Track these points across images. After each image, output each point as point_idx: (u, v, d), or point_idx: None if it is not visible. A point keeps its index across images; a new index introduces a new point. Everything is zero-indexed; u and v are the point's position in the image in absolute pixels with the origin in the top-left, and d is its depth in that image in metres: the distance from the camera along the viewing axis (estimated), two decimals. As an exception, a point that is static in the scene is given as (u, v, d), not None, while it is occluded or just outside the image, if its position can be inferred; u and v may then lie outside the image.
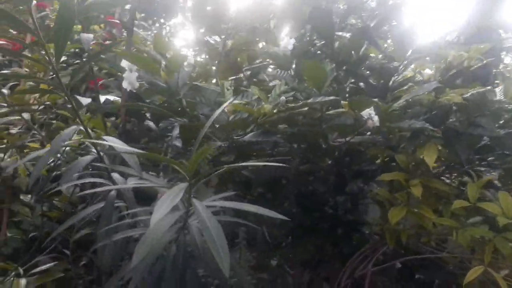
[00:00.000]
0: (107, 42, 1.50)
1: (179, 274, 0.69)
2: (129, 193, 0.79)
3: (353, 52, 1.32)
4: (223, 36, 1.15)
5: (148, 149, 1.14)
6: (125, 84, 0.98)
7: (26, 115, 1.09)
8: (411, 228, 1.29)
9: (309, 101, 0.88)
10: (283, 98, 0.89)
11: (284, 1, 1.31)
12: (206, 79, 1.29)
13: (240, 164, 0.81)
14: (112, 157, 0.87)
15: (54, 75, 0.68)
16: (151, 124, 1.25)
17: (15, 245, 1.44)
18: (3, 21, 0.62)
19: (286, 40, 1.18)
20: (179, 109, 1.09)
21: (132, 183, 0.73)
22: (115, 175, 0.80)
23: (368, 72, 1.38)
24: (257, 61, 1.21)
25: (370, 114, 0.92)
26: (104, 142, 0.68)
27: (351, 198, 1.56)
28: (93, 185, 1.15)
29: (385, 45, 1.44)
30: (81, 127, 0.73)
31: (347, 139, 1.02)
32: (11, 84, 1.28)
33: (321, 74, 0.99)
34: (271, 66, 1.29)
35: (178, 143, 1.38)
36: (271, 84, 1.83)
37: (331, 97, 0.88)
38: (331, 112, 0.96)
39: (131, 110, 1.13)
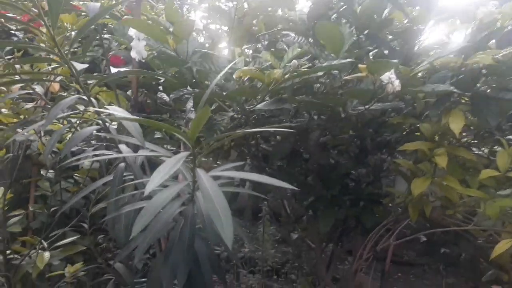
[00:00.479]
0: (126, 17, 1.46)
1: (186, 246, 0.67)
2: (135, 164, 0.76)
3: (375, 15, 1.24)
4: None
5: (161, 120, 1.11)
6: (133, 54, 0.95)
7: (39, 88, 1.08)
8: (435, 200, 1.24)
9: (324, 64, 0.83)
10: (294, 61, 0.83)
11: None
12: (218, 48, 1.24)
13: (251, 130, 0.77)
14: (120, 128, 0.84)
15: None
16: (164, 96, 1.23)
17: (43, 220, 1.47)
18: None
19: (302, 3, 1.12)
20: (193, 80, 1.05)
21: (136, 154, 0.70)
22: (122, 147, 0.78)
23: (391, 37, 1.30)
24: (275, 28, 1.15)
25: (390, 78, 0.85)
26: (106, 111, 0.66)
27: (373, 170, 1.51)
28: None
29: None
30: (84, 97, 0.70)
31: (367, 106, 0.96)
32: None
33: (338, 37, 0.93)
34: (291, 33, 1.23)
35: (194, 115, 1.35)
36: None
37: (347, 60, 0.82)
38: (348, 77, 0.90)
39: (142, 82, 1.10)
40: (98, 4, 0.94)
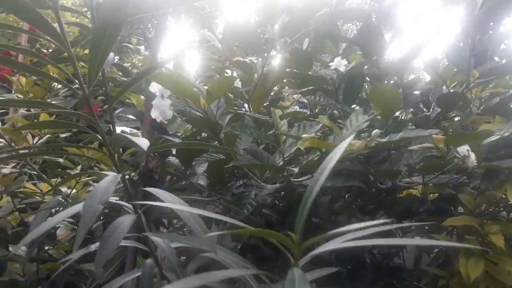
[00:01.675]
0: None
1: None
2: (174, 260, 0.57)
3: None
4: (264, 55, 0.96)
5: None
6: (154, 113, 0.78)
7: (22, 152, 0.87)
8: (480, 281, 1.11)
9: (411, 135, 0.70)
10: (376, 131, 0.70)
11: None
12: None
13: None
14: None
15: (83, 100, 0.47)
16: (173, 160, 1.04)
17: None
18: (22, 16, 0.41)
19: (337, 61, 1.01)
20: (215, 142, 0.89)
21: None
22: (155, 238, 0.59)
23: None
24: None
25: (468, 150, 0.73)
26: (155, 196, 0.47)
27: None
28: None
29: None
30: (117, 175, 0.51)
31: (432, 178, 0.84)
32: None
33: (393, 100, 0.81)
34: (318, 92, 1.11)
35: (203, 181, 1.17)
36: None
37: (432, 130, 0.69)
38: (415, 147, 0.78)
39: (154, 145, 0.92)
40: (112, 55, 0.78)
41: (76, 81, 0.46)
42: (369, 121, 0.87)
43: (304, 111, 1.73)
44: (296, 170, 0.76)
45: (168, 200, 0.48)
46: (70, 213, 0.47)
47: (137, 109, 1.04)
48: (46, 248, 1.23)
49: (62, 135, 1.31)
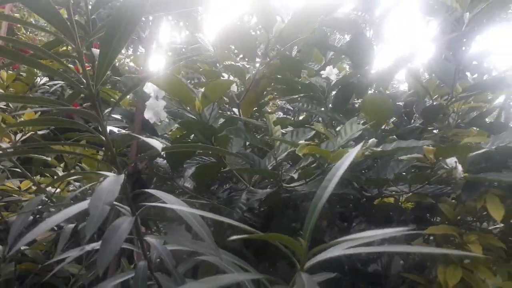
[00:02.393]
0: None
1: None
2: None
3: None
4: (258, 61, 0.96)
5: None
6: (148, 114, 0.77)
7: (4, 144, 0.85)
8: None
9: (403, 145, 0.71)
10: (373, 140, 0.71)
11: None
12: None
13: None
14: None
15: (88, 98, 0.46)
16: (160, 161, 1.03)
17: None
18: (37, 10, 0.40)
19: (328, 70, 1.02)
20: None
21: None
22: (149, 239, 0.58)
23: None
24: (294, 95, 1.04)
25: (456, 162, 0.76)
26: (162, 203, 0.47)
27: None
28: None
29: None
30: (114, 173, 0.50)
31: (414, 189, 0.86)
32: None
33: (384, 110, 0.84)
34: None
35: (189, 184, 1.16)
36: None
37: (425, 141, 0.72)
38: (404, 157, 0.80)
39: (143, 146, 0.91)
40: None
41: (83, 79, 0.45)
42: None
43: (287, 116, 1.74)
44: (291, 175, 0.76)
45: (170, 202, 0.48)
46: (73, 211, 0.46)
47: (126, 109, 1.02)
48: (22, 248, 1.20)
49: (40, 132, 1.28)
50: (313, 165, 0.75)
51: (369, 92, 1.18)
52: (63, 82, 1.49)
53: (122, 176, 0.46)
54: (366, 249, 0.40)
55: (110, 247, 0.43)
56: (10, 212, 0.97)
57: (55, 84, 1.43)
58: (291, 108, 1.62)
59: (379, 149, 0.70)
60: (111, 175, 0.47)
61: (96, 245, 0.56)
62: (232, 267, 0.53)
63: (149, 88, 0.77)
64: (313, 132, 0.84)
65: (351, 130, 0.76)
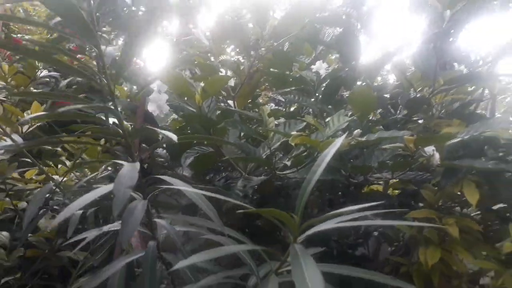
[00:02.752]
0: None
1: None
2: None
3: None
4: (252, 53, 1.02)
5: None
6: (152, 107, 0.83)
7: (16, 137, 0.90)
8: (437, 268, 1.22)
9: (385, 135, 0.78)
10: (358, 131, 0.78)
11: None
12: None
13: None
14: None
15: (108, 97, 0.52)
16: (160, 151, 1.10)
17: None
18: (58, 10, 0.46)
19: (318, 64, 1.09)
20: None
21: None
22: (159, 220, 0.64)
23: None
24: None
25: (433, 150, 0.84)
26: (172, 185, 0.53)
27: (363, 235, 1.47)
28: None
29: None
30: (130, 163, 0.57)
31: (400, 175, 0.93)
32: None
33: (370, 102, 0.90)
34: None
35: (187, 173, 1.22)
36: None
37: (405, 132, 0.79)
38: (387, 146, 0.87)
39: (144, 137, 0.97)
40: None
41: (101, 76, 0.51)
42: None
43: (278, 108, 1.81)
44: (284, 163, 0.83)
45: (178, 184, 0.54)
46: (97, 194, 0.52)
47: (127, 101, 1.08)
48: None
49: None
50: (304, 154, 0.82)
51: (357, 84, 1.25)
52: (57, 74, 1.54)
53: (138, 164, 0.52)
54: (353, 223, 0.47)
55: (129, 226, 0.49)
56: (18, 201, 1.02)
57: (53, 77, 1.47)
58: (283, 100, 1.68)
59: (363, 139, 0.77)
60: (126, 163, 0.53)
61: (112, 226, 0.62)
62: (233, 244, 0.60)
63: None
64: (304, 123, 0.90)
65: (339, 121, 0.82)
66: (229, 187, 0.94)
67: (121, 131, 0.54)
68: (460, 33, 1.19)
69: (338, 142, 0.49)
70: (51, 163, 1.05)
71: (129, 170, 0.50)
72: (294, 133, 0.75)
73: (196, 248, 0.77)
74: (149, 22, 0.46)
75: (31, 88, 1.29)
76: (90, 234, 0.63)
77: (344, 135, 0.54)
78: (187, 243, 0.83)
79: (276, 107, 1.84)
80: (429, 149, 0.84)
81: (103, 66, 0.50)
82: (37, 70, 1.27)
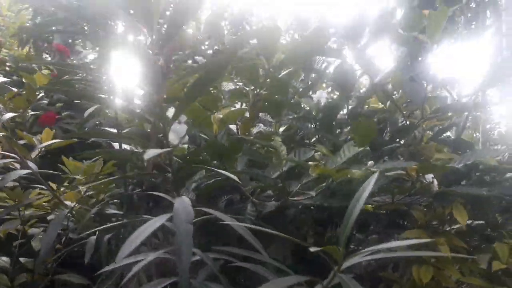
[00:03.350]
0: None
1: None
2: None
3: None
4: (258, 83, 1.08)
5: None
6: (172, 137, 0.86)
7: (32, 165, 0.91)
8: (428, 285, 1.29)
9: (390, 166, 0.86)
10: (371, 162, 0.85)
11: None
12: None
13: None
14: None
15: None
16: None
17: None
18: None
19: (319, 93, 1.16)
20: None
21: None
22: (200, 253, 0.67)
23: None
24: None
25: (433, 177, 0.91)
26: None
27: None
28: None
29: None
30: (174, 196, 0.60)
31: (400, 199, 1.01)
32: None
33: (371, 132, 0.98)
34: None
35: (191, 195, 1.25)
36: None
37: (409, 162, 0.86)
38: (389, 173, 0.94)
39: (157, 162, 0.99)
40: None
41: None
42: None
43: (268, 128, 1.87)
44: (295, 190, 0.88)
45: (225, 218, 0.58)
46: (154, 227, 0.54)
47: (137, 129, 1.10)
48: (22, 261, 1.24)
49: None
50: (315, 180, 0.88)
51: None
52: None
53: (188, 199, 0.56)
54: (389, 254, 0.53)
55: (185, 254, 0.52)
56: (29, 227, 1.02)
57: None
58: (271, 121, 1.74)
59: (376, 169, 0.84)
60: (178, 199, 0.57)
61: (158, 253, 0.64)
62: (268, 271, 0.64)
63: (171, 113, 0.87)
64: (313, 152, 0.96)
65: (349, 152, 0.89)
66: (240, 211, 0.98)
67: (169, 169, 0.57)
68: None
69: (373, 179, 0.55)
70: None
71: (183, 205, 0.53)
72: (312, 163, 0.81)
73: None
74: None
75: (29, 111, 1.29)
76: (144, 258, 0.64)
77: (377, 173, 0.59)
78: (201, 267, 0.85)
79: (265, 127, 1.90)
80: (429, 176, 0.92)
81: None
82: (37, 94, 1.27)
